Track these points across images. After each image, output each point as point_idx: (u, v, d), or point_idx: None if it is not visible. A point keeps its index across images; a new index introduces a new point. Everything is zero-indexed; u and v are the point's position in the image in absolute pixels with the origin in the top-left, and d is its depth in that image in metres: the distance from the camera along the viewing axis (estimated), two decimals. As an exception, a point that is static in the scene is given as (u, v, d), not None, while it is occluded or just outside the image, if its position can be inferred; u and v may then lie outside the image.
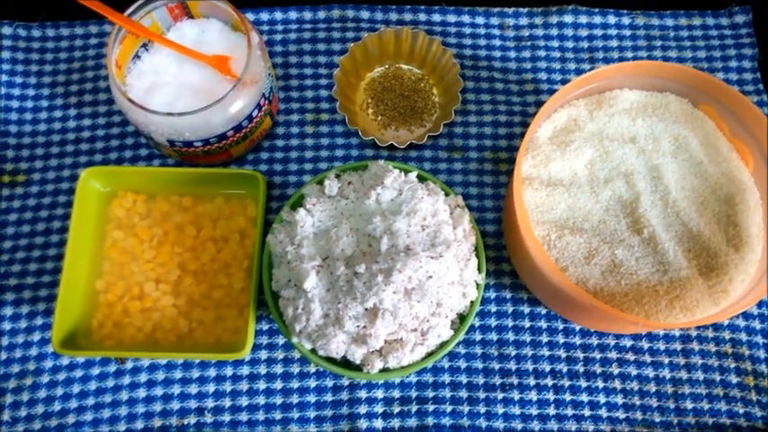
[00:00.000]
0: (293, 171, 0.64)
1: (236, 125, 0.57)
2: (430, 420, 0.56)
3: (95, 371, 0.58)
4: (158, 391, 0.57)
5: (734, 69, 0.67)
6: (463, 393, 0.57)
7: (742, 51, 0.67)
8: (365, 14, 0.69)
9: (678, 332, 0.59)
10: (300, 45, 0.68)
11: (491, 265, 0.61)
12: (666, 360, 0.58)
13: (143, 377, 0.58)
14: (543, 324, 0.59)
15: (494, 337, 0.59)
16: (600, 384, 0.57)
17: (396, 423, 0.56)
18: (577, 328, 0.59)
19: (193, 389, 0.57)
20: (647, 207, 0.54)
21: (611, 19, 0.69)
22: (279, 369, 0.58)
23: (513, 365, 0.58)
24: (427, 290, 0.50)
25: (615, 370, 0.58)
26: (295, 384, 0.58)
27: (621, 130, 0.56)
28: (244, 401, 0.57)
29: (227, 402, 0.57)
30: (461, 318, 0.54)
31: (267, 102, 0.60)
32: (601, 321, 0.54)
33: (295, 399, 0.57)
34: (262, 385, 0.58)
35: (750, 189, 0.55)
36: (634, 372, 0.58)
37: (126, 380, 0.58)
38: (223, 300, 0.58)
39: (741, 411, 0.56)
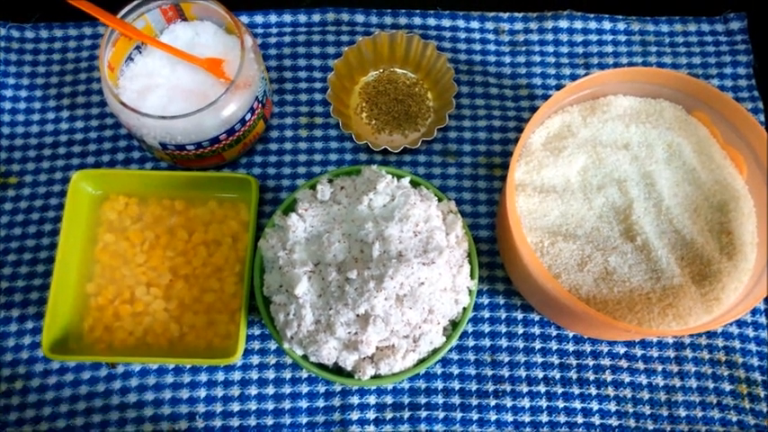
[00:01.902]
0: (286, 175, 0.63)
1: (229, 129, 0.57)
2: (422, 427, 0.56)
3: (86, 375, 0.57)
4: (149, 396, 0.57)
5: (729, 76, 0.67)
6: (456, 400, 0.57)
7: (737, 58, 0.67)
8: (360, 18, 0.69)
9: (671, 339, 0.59)
10: (295, 48, 0.68)
11: (484, 271, 0.61)
12: (660, 367, 0.58)
13: (134, 381, 0.57)
14: (536, 330, 0.59)
15: (487, 343, 0.59)
16: (593, 391, 0.57)
17: (388, 429, 0.56)
18: (570, 334, 0.59)
19: (185, 394, 0.57)
20: (641, 214, 0.54)
21: (607, 24, 0.69)
22: (270, 374, 0.58)
23: (505, 372, 0.58)
24: (419, 296, 0.49)
25: (608, 377, 0.58)
26: (287, 390, 0.57)
27: (615, 136, 0.56)
28: (235, 407, 0.57)
29: (219, 407, 0.57)
30: (454, 324, 0.53)
31: (261, 105, 0.59)
32: (593, 328, 0.54)
33: (287, 404, 0.57)
34: (253, 390, 0.57)
35: (743, 197, 0.54)
36: (627, 379, 0.58)
37: (117, 384, 0.57)
38: (215, 304, 0.57)
39: (734, 419, 0.56)
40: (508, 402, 0.57)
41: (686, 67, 0.67)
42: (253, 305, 0.57)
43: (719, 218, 0.54)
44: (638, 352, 0.58)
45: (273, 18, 0.69)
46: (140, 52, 0.59)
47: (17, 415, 0.56)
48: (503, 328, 0.59)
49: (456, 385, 0.57)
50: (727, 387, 0.57)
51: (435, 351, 0.52)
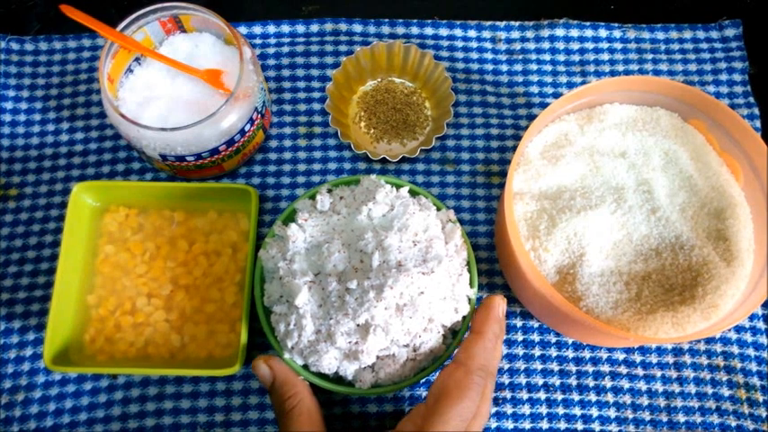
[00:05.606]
0: (286, 184, 0.64)
1: (229, 139, 0.57)
2: (423, 435, 0.56)
3: (87, 386, 0.58)
4: (150, 407, 0.57)
5: (724, 82, 0.67)
6: (456, 407, 0.57)
7: (732, 65, 0.68)
8: (358, 28, 0.69)
9: (670, 345, 0.59)
10: (293, 58, 0.68)
11: (483, 279, 0.61)
12: (659, 373, 0.58)
13: (135, 392, 0.57)
14: (536, 337, 0.59)
15: (486, 350, 0.59)
16: (592, 398, 0.57)
17: (388, 437, 0.56)
18: (570, 341, 0.59)
19: (186, 404, 0.57)
20: (638, 221, 0.54)
21: (603, 32, 0.69)
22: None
23: (505, 379, 0.58)
24: (419, 306, 0.50)
25: (608, 383, 0.58)
26: (288, 399, 0.57)
27: (612, 144, 0.57)
28: (236, 416, 0.57)
29: (220, 417, 0.57)
30: (454, 333, 0.54)
31: (260, 116, 0.60)
32: (592, 335, 0.54)
33: (288, 413, 0.57)
34: (254, 400, 0.57)
35: (740, 203, 0.55)
36: (626, 385, 0.58)
37: (118, 395, 0.57)
38: (215, 314, 0.58)
39: (733, 425, 0.57)
40: (508, 409, 0.57)
41: (682, 73, 0.68)
42: (253, 314, 0.57)
43: (716, 224, 0.55)
44: (637, 358, 0.59)
45: (272, 29, 0.69)
46: (140, 64, 0.60)
47: (19, 427, 0.56)
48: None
49: (456, 393, 0.58)
50: (725, 392, 0.57)
51: (436, 359, 0.53)
